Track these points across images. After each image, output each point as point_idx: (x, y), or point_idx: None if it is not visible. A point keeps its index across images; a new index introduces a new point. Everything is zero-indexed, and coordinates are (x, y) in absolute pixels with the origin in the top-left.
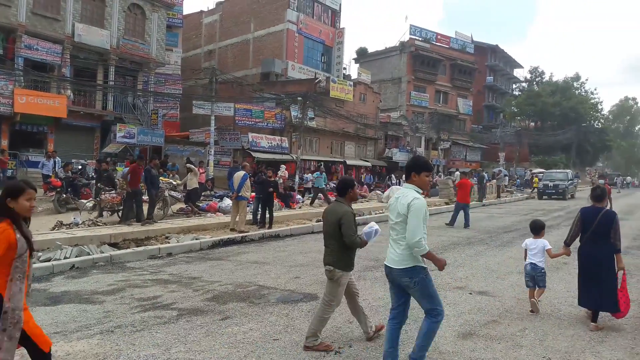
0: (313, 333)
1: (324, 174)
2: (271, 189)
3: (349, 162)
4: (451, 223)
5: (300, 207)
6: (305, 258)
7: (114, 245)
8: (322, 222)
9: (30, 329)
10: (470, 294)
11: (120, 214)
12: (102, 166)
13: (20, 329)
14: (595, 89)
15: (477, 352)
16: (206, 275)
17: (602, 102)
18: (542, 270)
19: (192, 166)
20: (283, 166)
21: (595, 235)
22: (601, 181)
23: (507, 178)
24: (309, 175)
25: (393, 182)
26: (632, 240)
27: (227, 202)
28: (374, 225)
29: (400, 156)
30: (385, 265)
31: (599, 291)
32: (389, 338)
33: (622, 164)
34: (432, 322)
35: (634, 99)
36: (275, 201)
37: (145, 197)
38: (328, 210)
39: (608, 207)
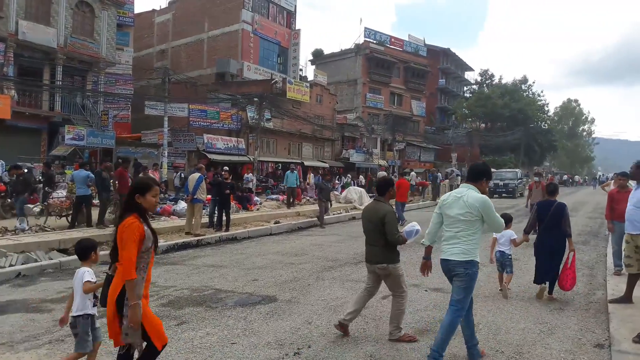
0: (395, 326)
1: (294, 172)
2: (228, 191)
3: (306, 163)
4: (399, 220)
5: (258, 209)
6: (263, 260)
7: (64, 252)
8: (277, 225)
9: (148, 320)
10: (426, 291)
11: (69, 218)
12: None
13: (140, 313)
14: (541, 91)
15: None
16: (161, 280)
17: (548, 104)
18: (509, 257)
19: (153, 171)
20: (226, 168)
21: (550, 224)
22: (536, 178)
23: (459, 178)
24: (249, 176)
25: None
26: (577, 235)
27: (182, 205)
28: (415, 225)
29: (357, 157)
30: (442, 259)
31: (548, 269)
32: (464, 325)
33: (568, 163)
34: (455, 316)
35: (576, 100)
36: (232, 203)
37: (95, 201)
38: (369, 209)
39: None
